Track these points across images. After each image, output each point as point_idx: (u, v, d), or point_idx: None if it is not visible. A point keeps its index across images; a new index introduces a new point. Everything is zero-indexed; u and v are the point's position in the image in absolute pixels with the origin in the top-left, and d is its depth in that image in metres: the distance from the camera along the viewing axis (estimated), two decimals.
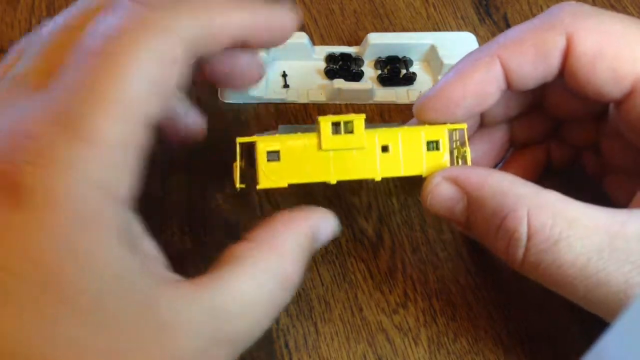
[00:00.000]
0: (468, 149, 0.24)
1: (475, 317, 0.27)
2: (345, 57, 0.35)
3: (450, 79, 0.24)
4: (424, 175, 0.24)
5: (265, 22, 0.22)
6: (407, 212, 0.30)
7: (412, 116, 0.26)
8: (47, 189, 0.17)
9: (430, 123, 0.24)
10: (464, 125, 0.24)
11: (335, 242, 0.29)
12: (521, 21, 0.40)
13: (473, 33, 0.37)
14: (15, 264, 0.16)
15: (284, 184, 0.23)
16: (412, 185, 0.31)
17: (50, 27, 0.21)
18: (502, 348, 0.26)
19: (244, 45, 0.22)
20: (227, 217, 0.29)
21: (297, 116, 0.34)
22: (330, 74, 0.35)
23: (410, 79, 0.35)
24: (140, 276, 0.18)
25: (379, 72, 0.35)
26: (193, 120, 0.26)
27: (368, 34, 0.35)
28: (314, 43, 0.37)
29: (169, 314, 0.18)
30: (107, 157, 0.17)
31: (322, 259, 0.29)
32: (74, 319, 0.17)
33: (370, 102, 0.35)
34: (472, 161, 0.25)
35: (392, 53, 0.36)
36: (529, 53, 0.23)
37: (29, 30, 0.37)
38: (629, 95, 0.23)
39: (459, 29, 0.39)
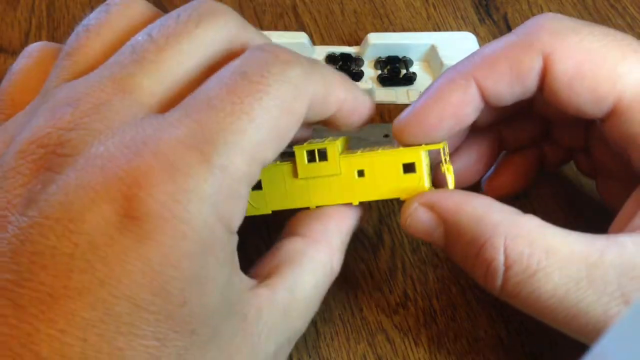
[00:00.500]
0: (450, 166, 0.24)
1: (475, 317, 0.27)
2: (345, 57, 0.35)
3: (426, 102, 0.23)
4: (402, 199, 0.23)
5: (357, 104, 0.23)
6: None
7: None
8: (172, 215, 0.17)
9: (409, 144, 0.24)
10: (440, 145, 0.23)
11: None
12: (521, 21, 0.40)
13: (473, 33, 0.37)
14: (142, 297, 0.16)
15: (268, 211, 0.24)
16: None
17: (162, 33, 0.20)
18: (502, 348, 0.26)
19: (331, 122, 0.23)
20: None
21: None
22: None
23: (410, 79, 0.35)
24: (239, 294, 0.19)
25: (379, 72, 0.35)
26: None
27: (368, 34, 0.35)
28: (314, 43, 0.37)
29: (255, 324, 0.19)
30: (232, 188, 0.18)
31: None
32: (187, 342, 0.17)
33: None
34: (461, 169, 0.25)
35: (392, 53, 0.36)
36: (505, 73, 0.23)
37: (29, 30, 0.37)
38: (610, 115, 0.22)
39: (459, 29, 0.39)
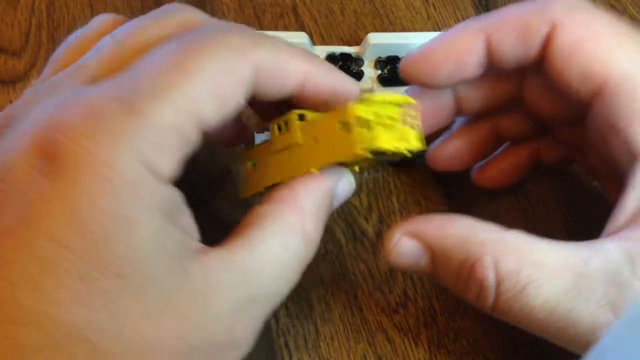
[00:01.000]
0: (408, 129, 0.22)
1: (475, 317, 0.27)
2: (345, 57, 0.35)
3: (434, 43, 0.25)
4: (346, 161, 0.22)
5: (327, 80, 0.22)
6: (407, 212, 0.30)
7: None
8: (92, 157, 0.17)
9: (415, 83, 0.25)
10: (395, 98, 0.22)
11: (335, 242, 0.29)
12: None
13: None
14: (62, 234, 0.17)
15: (260, 188, 0.23)
16: (412, 185, 0.31)
17: (125, 29, 0.22)
18: (502, 348, 0.26)
19: (302, 100, 0.22)
20: (227, 218, 0.29)
21: None
22: None
23: None
24: (178, 246, 0.19)
25: (379, 72, 0.35)
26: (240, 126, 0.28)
27: (368, 34, 0.35)
28: (314, 43, 0.37)
29: (202, 280, 0.19)
30: (155, 135, 0.18)
31: (322, 259, 0.29)
32: (115, 285, 0.17)
33: None
34: (452, 153, 0.26)
35: (392, 53, 0.36)
36: (512, 32, 0.24)
37: (29, 30, 0.37)
38: (595, 97, 0.23)
39: None
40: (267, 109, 0.26)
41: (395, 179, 0.32)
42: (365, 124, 0.21)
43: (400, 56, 0.36)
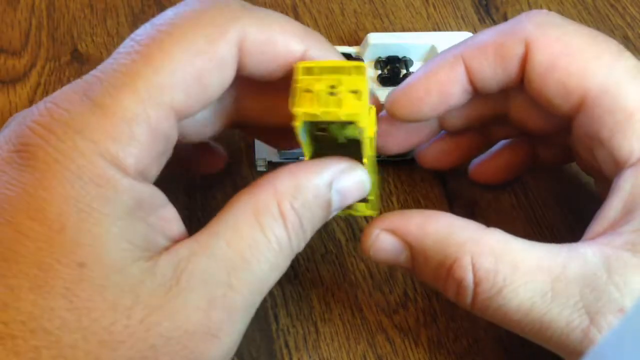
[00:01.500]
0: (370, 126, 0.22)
1: (475, 317, 0.27)
2: (345, 57, 0.35)
3: (416, 77, 0.24)
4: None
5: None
6: None
7: None
8: (53, 149, 0.18)
9: (402, 120, 0.25)
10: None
11: (335, 242, 0.29)
12: None
13: (473, 33, 0.37)
14: (20, 221, 0.17)
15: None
16: (413, 185, 0.31)
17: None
18: (502, 348, 0.26)
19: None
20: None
21: None
22: None
23: None
24: (144, 239, 0.19)
25: (379, 72, 0.35)
26: (214, 153, 0.27)
27: (368, 34, 0.35)
28: None
29: (171, 270, 0.18)
30: (117, 128, 0.18)
31: (322, 259, 0.29)
32: (76, 275, 0.17)
33: (370, 102, 0.35)
34: (439, 153, 0.26)
35: (392, 53, 0.36)
36: (489, 57, 0.23)
37: (29, 30, 0.37)
38: (577, 111, 0.23)
39: (459, 29, 0.39)
40: (270, 134, 0.26)
41: (395, 179, 0.32)
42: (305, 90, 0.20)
43: (400, 56, 0.36)
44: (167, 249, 0.19)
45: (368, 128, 0.20)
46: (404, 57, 0.36)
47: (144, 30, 0.19)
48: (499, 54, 0.23)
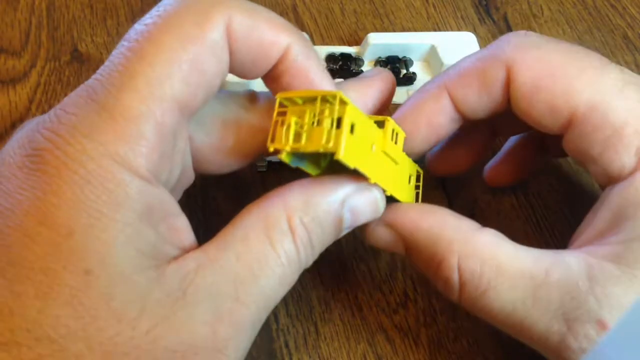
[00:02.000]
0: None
1: (475, 317, 0.27)
2: (345, 57, 0.35)
3: (402, 113, 0.24)
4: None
5: (310, 66, 0.21)
6: None
7: None
8: (63, 154, 0.17)
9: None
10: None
11: (335, 242, 0.29)
12: (521, 21, 0.40)
13: (473, 33, 0.37)
14: (28, 226, 0.17)
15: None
16: None
17: None
18: (502, 348, 0.26)
19: (281, 82, 0.21)
20: (227, 218, 0.29)
21: None
22: (330, 74, 0.35)
23: (410, 79, 0.35)
24: (153, 247, 0.18)
25: None
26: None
27: (368, 34, 0.35)
28: (314, 43, 0.37)
29: (178, 281, 0.18)
30: (124, 127, 0.18)
31: (322, 259, 0.29)
32: (82, 282, 0.17)
33: None
34: (453, 158, 0.26)
35: (392, 53, 0.36)
36: (472, 84, 0.23)
37: (29, 30, 0.37)
38: (566, 129, 0.23)
39: (459, 29, 0.39)
40: None
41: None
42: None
43: (400, 56, 0.36)
44: (175, 258, 0.19)
45: (353, 155, 0.19)
46: (404, 57, 0.36)
47: (133, 29, 0.19)
48: (480, 79, 0.23)
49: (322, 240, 0.21)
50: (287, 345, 0.26)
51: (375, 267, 0.29)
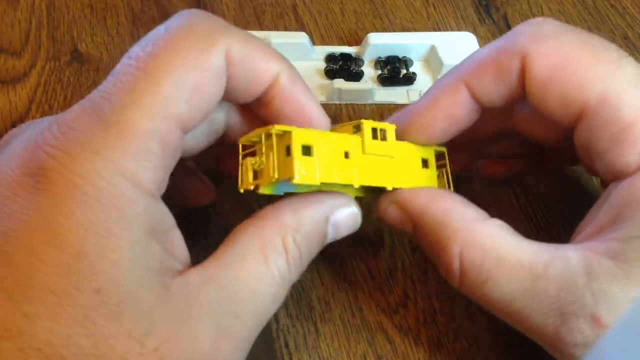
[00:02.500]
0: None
1: (475, 317, 0.27)
2: (345, 57, 0.35)
3: (420, 106, 0.25)
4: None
5: (298, 95, 0.22)
6: None
7: None
8: (69, 171, 0.17)
9: (416, 142, 0.25)
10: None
11: (335, 242, 0.29)
12: (521, 21, 0.40)
13: (473, 33, 0.37)
14: (36, 247, 0.17)
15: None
16: None
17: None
18: (502, 348, 0.26)
19: (272, 107, 0.22)
20: (227, 219, 0.29)
21: None
22: (330, 74, 0.35)
23: (410, 79, 0.35)
24: (159, 263, 0.19)
25: (379, 72, 0.35)
26: (204, 186, 0.27)
27: (368, 34, 0.35)
28: (314, 43, 0.37)
29: (183, 298, 0.19)
30: (132, 144, 0.18)
31: (322, 259, 0.29)
32: (93, 301, 0.17)
33: (370, 102, 0.35)
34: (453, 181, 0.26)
35: (392, 53, 0.36)
36: (488, 75, 0.23)
37: (29, 30, 0.37)
38: (578, 121, 0.23)
39: (459, 29, 0.39)
40: None
41: None
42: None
43: (400, 56, 0.36)
44: (180, 273, 0.19)
45: (318, 172, 0.21)
46: (404, 57, 0.36)
47: (139, 47, 0.20)
48: (496, 69, 0.23)
49: (309, 255, 0.22)
50: (287, 345, 0.26)
51: (375, 267, 0.29)
